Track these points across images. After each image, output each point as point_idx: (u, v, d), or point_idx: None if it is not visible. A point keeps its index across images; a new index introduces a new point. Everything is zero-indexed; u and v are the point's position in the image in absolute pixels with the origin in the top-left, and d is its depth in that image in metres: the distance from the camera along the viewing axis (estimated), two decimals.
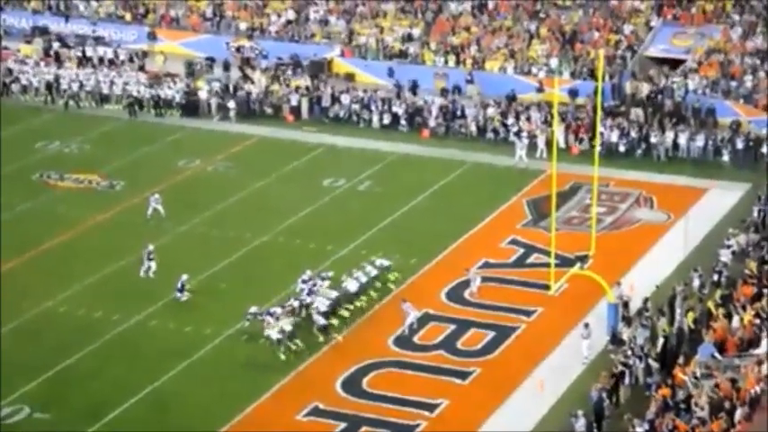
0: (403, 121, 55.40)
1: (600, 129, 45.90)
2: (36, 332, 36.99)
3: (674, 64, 56.49)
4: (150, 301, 38.51)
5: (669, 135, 50.91)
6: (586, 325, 35.26)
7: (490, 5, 62.69)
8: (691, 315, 34.98)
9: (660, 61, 57.10)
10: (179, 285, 38.55)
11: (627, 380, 32.83)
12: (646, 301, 36.34)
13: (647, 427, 29.20)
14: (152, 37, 64.98)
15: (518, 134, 51.56)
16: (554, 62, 57.82)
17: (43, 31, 65.94)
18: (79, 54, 63.06)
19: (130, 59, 62.84)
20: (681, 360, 32.39)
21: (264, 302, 37.46)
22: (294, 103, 57.11)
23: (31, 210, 46.49)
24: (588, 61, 56.73)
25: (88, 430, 31.60)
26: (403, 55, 60.65)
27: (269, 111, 57.22)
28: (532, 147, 50.98)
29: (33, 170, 50.47)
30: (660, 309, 35.90)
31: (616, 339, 35.36)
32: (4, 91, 60.07)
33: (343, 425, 31.97)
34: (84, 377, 34.29)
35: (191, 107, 57.51)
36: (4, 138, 54.09)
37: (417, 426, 32.00)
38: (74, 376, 34.44)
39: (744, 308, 34.18)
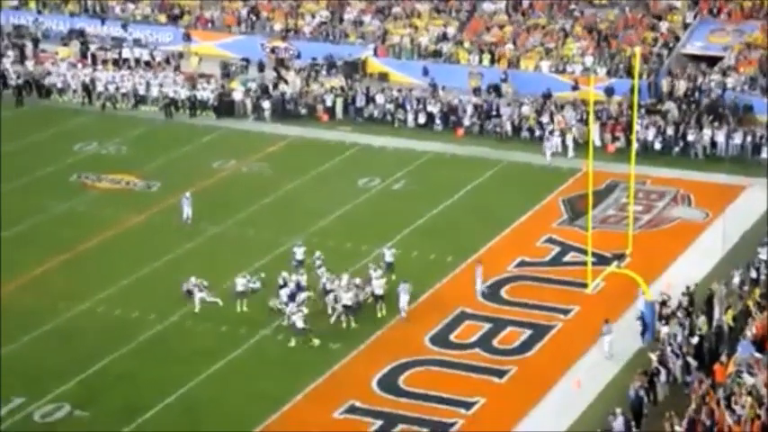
0: (438, 120, 55.42)
1: (636, 127, 45.70)
2: (74, 332, 37.10)
3: (712, 61, 56.22)
4: (186, 302, 38.56)
5: (707, 133, 50.60)
6: (606, 321, 35.10)
7: (525, 4, 62.80)
8: (730, 313, 34.68)
9: (697, 58, 56.91)
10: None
11: (663, 378, 32.55)
12: (684, 298, 36.01)
13: (686, 425, 28.94)
14: (187, 38, 65.39)
15: (551, 133, 51.62)
16: (589, 60, 57.66)
17: (80, 34, 66.59)
18: (115, 56, 63.47)
19: (166, 61, 63.15)
20: (721, 358, 32.11)
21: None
22: (329, 103, 57.24)
23: (68, 211, 46.71)
24: (624, 59, 56.55)
25: (124, 429, 31.71)
26: (437, 54, 60.68)
27: (303, 111, 57.38)
28: (566, 145, 51.07)
29: (71, 171, 50.77)
30: (699, 307, 35.66)
31: (653, 337, 35.12)
32: (42, 93, 60.50)
33: (379, 423, 31.89)
34: (121, 377, 34.37)
35: (226, 108, 57.66)
36: (42, 139, 54.56)
37: (454, 424, 31.90)
38: (111, 376, 34.52)
39: None
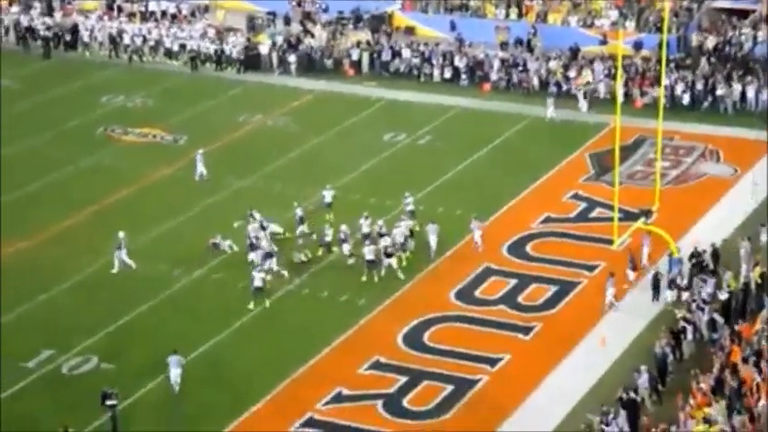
0: (464, 75, 55.18)
1: (665, 81, 45.29)
2: (100, 286, 37.24)
3: (743, 14, 55.42)
4: (212, 257, 38.55)
5: (736, 87, 50.10)
6: (612, 274, 35.07)
7: None
8: (758, 270, 34.29)
9: (728, 12, 56.10)
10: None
11: (690, 335, 32.31)
12: (710, 254, 35.75)
13: (712, 382, 28.72)
14: None
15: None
16: (615, 14, 56.98)
17: None
18: (142, 8, 63.34)
19: (192, 14, 62.98)
20: (747, 315, 31.93)
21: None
22: (355, 57, 57.16)
23: (95, 164, 46.86)
24: (653, 13, 55.79)
25: (149, 384, 31.84)
26: (464, 8, 60.21)
27: (329, 65, 57.31)
28: (593, 100, 50.98)
29: (97, 124, 50.98)
30: (725, 263, 35.34)
31: (679, 293, 34.82)
32: (69, 45, 60.61)
33: (404, 378, 31.85)
34: (146, 331, 34.47)
35: (252, 61, 57.58)
36: (68, 92, 54.71)
37: (479, 380, 31.82)
38: (137, 330, 34.66)
39: None
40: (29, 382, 31.87)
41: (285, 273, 36.98)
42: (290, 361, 32.79)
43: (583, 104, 51.16)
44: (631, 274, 35.68)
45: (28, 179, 44.90)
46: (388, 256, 36.91)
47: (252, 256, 37.36)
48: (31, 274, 37.68)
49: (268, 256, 37.25)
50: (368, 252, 37.12)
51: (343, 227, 38.36)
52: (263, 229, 38.85)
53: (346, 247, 37.83)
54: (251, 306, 35.49)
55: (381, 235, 38.01)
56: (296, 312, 35.69)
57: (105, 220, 41.48)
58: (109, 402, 29.34)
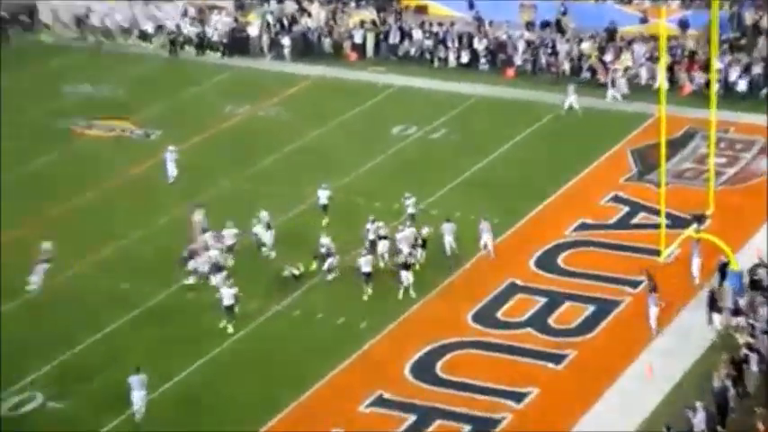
0: (483, 60, 55.61)
1: (717, 65, 45.18)
2: (48, 307, 36.91)
3: None
4: (187, 271, 37.95)
5: None
6: (653, 289, 34.39)
7: None
8: None
9: None
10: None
11: (754, 365, 31.23)
12: None
13: None
14: None
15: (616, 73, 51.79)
16: None
17: None
18: None
19: None
20: None
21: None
22: (358, 39, 57.74)
23: (56, 162, 47.16)
24: None
25: (112, 422, 31.07)
26: None
27: (329, 48, 57.86)
28: (633, 87, 51.22)
29: (60, 116, 51.42)
30: None
31: (740, 314, 33.80)
32: (29, 26, 61.04)
33: (413, 417, 31.24)
34: (105, 361, 33.84)
35: (239, 44, 58.25)
36: (27, 78, 55.28)
37: (502, 419, 31.10)
38: (94, 359, 34.14)
39: None
40: None
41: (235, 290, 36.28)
42: (277, 397, 32.24)
43: (621, 92, 51.19)
44: (653, 301, 34.61)
45: None
46: (406, 267, 36.34)
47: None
48: None
49: (216, 269, 36.87)
50: (364, 263, 36.72)
51: (325, 239, 37.87)
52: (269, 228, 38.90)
53: (328, 262, 37.34)
54: (224, 326, 35.08)
55: (381, 237, 37.88)
56: (285, 338, 35.23)
57: (65, 228, 41.14)
58: None
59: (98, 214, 42.46)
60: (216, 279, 36.53)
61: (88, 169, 46.04)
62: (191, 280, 37.08)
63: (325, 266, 37.51)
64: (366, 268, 36.78)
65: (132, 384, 31.05)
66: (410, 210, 39.94)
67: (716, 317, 34.01)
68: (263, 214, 39.44)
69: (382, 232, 38.28)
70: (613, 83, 51.51)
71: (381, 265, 37.80)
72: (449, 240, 38.48)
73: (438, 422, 30.97)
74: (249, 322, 35.73)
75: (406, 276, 36.40)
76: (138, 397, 31.08)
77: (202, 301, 36.65)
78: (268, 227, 39.12)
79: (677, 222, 37.62)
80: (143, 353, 33.92)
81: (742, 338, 32.27)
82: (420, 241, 38.02)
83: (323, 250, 37.76)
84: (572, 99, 49.73)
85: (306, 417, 31.51)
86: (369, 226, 38.49)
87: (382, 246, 37.77)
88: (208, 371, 33.60)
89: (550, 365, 33.35)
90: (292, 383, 32.70)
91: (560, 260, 38.56)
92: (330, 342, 34.62)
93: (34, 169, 46.34)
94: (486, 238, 38.69)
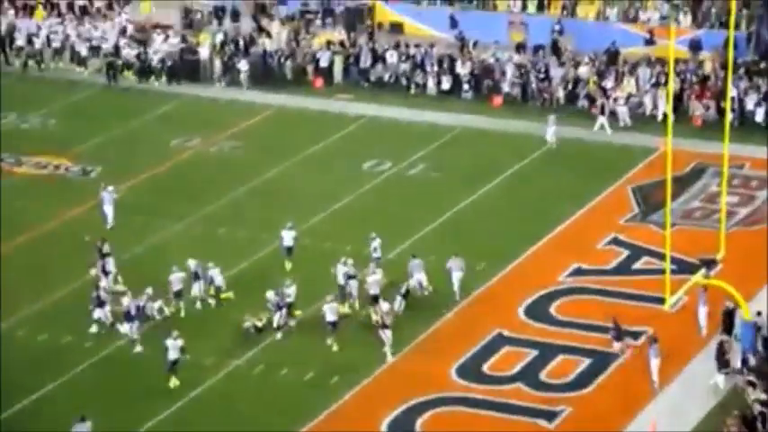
0: (467, 86, 55.98)
1: (732, 92, 46.06)
2: None
3: None
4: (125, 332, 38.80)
5: None
6: (654, 340, 35.59)
7: None
8: None
9: None
10: None
11: None
12: None
13: None
14: None
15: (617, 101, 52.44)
16: (665, 7, 58.08)
17: None
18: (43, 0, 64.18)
19: (109, 6, 63.88)
20: None
21: None
22: (324, 62, 57.94)
23: None
24: (716, 4, 56.57)
25: None
26: None
27: (291, 74, 58.14)
28: (636, 117, 52.21)
29: None
30: None
31: (753, 369, 35.02)
32: None
33: None
34: (43, 422, 34.69)
35: (188, 69, 58.57)
36: None
37: None
38: (28, 421, 34.99)
39: None
40: None
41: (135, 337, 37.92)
42: None
43: (624, 122, 52.14)
44: (654, 353, 35.67)
45: None
46: (384, 327, 37.28)
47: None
48: None
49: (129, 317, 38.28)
50: (329, 311, 37.94)
51: (270, 294, 38.83)
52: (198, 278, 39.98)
53: (277, 317, 38.47)
54: (173, 383, 36.00)
55: (350, 277, 39.33)
56: (245, 398, 35.92)
57: None
58: None
59: (32, 262, 42.70)
60: (125, 327, 38.03)
61: (17, 212, 46.01)
62: (94, 329, 38.43)
63: (276, 321, 38.28)
64: (331, 317, 37.79)
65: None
66: (376, 253, 40.91)
67: (719, 377, 34.78)
68: (191, 262, 40.25)
69: (352, 272, 39.48)
70: (602, 110, 52.00)
71: (349, 310, 39.04)
72: (418, 278, 39.72)
73: None
74: (206, 379, 36.28)
75: (387, 336, 37.07)
76: None
77: (151, 358, 37.03)
78: (196, 276, 40.04)
79: (684, 267, 38.41)
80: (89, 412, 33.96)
81: (754, 394, 33.01)
82: (403, 291, 39.13)
83: (275, 300, 38.42)
84: (551, 131, 50.47)
85: None
86: (339, 266, 39.57)
87: (352, 285, 39.10)
88: None
89: (542, 423, 33.98)
90: None
91: (553, 309, 39.29)
92: (298, 401, 35.16)
93: None
94: (455, 279, 39.92)
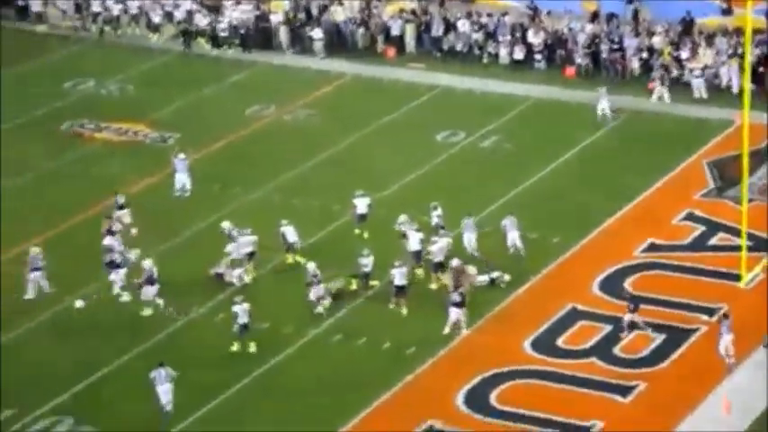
0: (540, 56, 56.23)
1: None
2: (71, 327, 38.36)
3: None
4: (216, 290, 39.63)
5: None
6: (725, 316, 35.52)
7: None
8: None
9: None
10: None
11: None
12: None
13: None
14: None
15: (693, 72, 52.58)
16: None
17: None
18: None
19: None
20: None
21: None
22: (396, 31, 58.10)
23: (58, 170, 47.79)
24: None
25: None
26: None
27: (364, 42, 58.43)
28: (713, 89, 52.16)
29: (62, 118, 52.06)
30: None
31: None
32: (19, 12, 61.89)
33: None
34: (135, 383, 34.99)
35: (261, 37, 58.77)
36: (24, 74, 55.83)
37: None
38: (123, 381, 35.62)
39: None
40: None
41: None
42: (317, 428, 33.39)
43: (700, 94, 52.26)
44: (725, 329, 35.26)
45: None
46: (458, 305, 37.53)
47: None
48: None
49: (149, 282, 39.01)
50: (398, 275, 38.57)
51: (310, 265, 39.14)
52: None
53: (314, 292, 38.81)
54: (237, 349, 36.77)
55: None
56: (324, 365, 36.44)
57: (71, 246, 42.50)
58: None
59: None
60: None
61: (98, 178, 46.57)
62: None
63: (312, 297, 38.55)
64: (400, 281, 38.47)
65: (156, 379, 33.43)
66: (436, 221, 41.32)
67: None
68: (225, 224, 41.07)
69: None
70: (662, 80, 52.17)
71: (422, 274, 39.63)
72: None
73: None
74: (286, 347, 36.91)
75: (458, 313, 37.32)
76: (165, 390, 33.35)
77: (229, 324, 37.39)
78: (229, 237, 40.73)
79: (760, 244, 38.48)
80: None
81: None
82: (494, 276, 39.57)
83: (310, 278, 38.74)
84: (604, 104, 50.33)
85: None
86: (412, 232, 40.27)
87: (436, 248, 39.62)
88: (238, 399, 34.70)
89: (616, 398, 34.08)
90: (333, 414, 33.66)
91: (628, 284, 39.23)
92: (375, 370, 35.65)
93: (37, 178, 46.79)
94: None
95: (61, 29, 61.32)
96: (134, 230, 42.74)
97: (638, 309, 36.97)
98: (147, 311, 38.78)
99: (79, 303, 38.82)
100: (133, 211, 43.93)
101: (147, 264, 39.26)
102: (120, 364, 36.44)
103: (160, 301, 38.83)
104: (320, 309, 38.61)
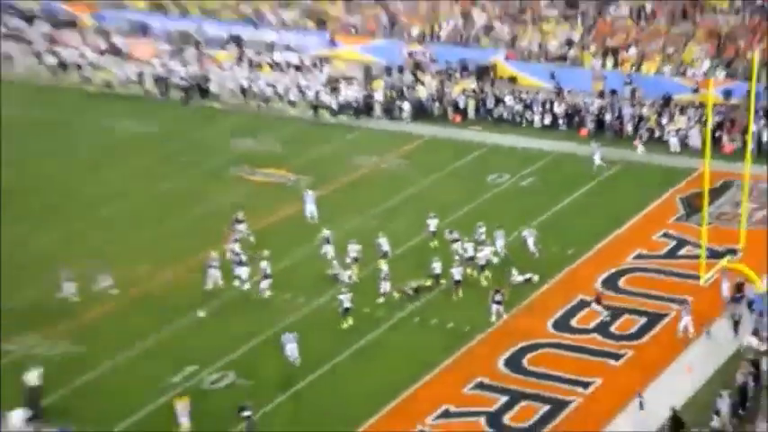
0: (562, 121, 55.94)
1: (753, 128, 45.33)
2: (236, 310, 38.80)
3: None
4: (331, 286, 39.81)
5: None
6: (683, 302, 36.04)
7: (648, 9, 62.15)
8: None
9: None
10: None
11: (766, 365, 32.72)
12: None
13: None
14: (332, 43, 66.42)
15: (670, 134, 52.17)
16: (707, 64, 57.45)
17: (237, 39, 67.53)
18: (268, 60, 65.20)
19: (313, 64, 64.47)
20: None
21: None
22: (461, 104, 57.99)
23: (226, 202, 47.50)
24: (743, 63, 55.91)
25: (280, 398, 33.38)
26: (563, 58, 60.99)
27: (438, 111, 58.24)
28: (684, 145, 51.65)
29: (229, 164, 52.41)
30: None
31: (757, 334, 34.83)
32: (203, 92, 62.56)
33: (505, 398, 32.78)
34: (276, 351, 35.32)
35: (367, 108, 58.84)
36: (204, 136, 56.41)
37: (572, 401, 32.60)
38: (268, 350, 35.70)
39: None
40: (174, 395, 33.20)
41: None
42: (402, 380, 33.85)
43: (675, 149, 51.95)
44: (685, 312, 35.87)
45: (178, 213, 46.75)
46: (498, 303, 37.55)
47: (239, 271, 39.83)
48: (178, 298, 39.49)
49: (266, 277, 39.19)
50: (456, 273, 38.93)
51: (384, 267, 39.33)
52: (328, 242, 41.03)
53: (383, 287, 38.78)
54: (346, 325, 37.00)
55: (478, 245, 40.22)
56: (406, 338, 36.82)
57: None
58: (244, 414, 31.05)
59: (268, 243, 42.46)
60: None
61: (253, 209, 45.93)
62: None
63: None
64: (457, 276, 38.76)
65: (285, 340, 34.36)
66: (481, 237, 41.19)
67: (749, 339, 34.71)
68: (326, 233, 41.33)
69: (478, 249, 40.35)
70: (641, 137, 52.09)
71: (472, 272, 39.48)
72: (530, 242, 40.99)
73: (524, 402, 32.39)
74: (380, 325, 37.40)
75: (498, 308, 37.32)
76: (291, 348, 34.27)
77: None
78: (327, 241, 41.15)
79: (714, 254, 38.14)
80: (302, 347, 35.06)
81: (756, 344, 33.77)
82: (527, 277, 39.49)
83: (436, 271, 39.08)
84: (597, 156, 49.48)
85: (423, 395, 33.08)
86: (458, 245, 40.51)
87: (482, 255, 39.90)
88: (350, 360, 35.30)
89: (611, 362, 34.62)
90: (413, 371, 34.35)
91: (621, 282, 39.41)
92: (441, 342, 36.05)
93: (211, 208, 46.85)
94: (531, 242, 41.09)
95: (229, 105, 61.72)
96: (252, 238, 42.93)
97: (600, 301, 37.48)
98: (267, 294, 39.13)
99: (201, 313, 38.66)
100: (274, 229, 44.35)
101: (263, 264, 39.70)
102: (267, 335, 36.96)
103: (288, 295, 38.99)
104: (382, 299, 38.60)
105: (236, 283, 39.99)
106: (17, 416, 31.59)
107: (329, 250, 41.51)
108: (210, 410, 32.33)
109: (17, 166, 52.14)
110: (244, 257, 40.59)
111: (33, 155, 54.28)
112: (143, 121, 58.55)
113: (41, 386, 32.83)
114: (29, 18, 69.84)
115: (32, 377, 32.77)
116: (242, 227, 43.57)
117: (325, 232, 41.95)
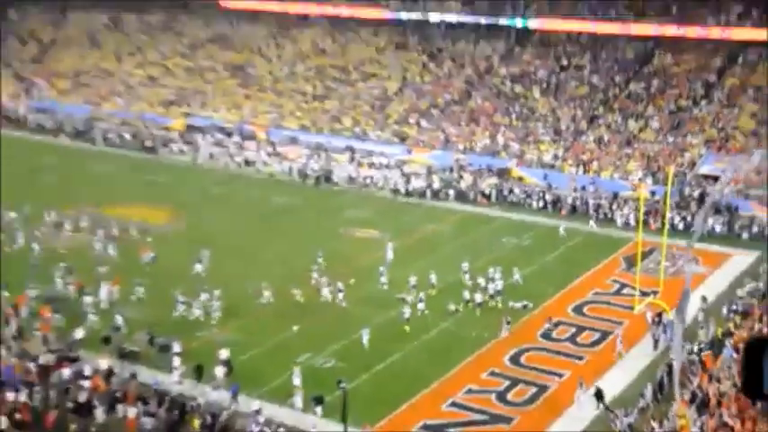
0: (549, 205, 55.69)
1: (668, 215, 44.98)
2: (331, 317, 37.12)
3: (715, 178, 54.55)
4: (400, 305, 38.77)
5: (710, 220, 49.83)
6: (618, 328, 34.78)
7: (605, 138, 61.77)
8: (719, 330, 34.26)
9: (706, 176, 55.17)
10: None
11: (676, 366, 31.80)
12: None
13: (689, 395, 28.92)
14: (408, 152, 65.96)
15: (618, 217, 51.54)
16: (640, 173, 56.82)
17: (350, 148, 66.65)
18: (369, 161, 65.00)
19: (396, 165, 64.04)
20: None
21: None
22: (487, 192, 57.80)
23: (333, 251, 45.35)
24: (663, 174, 54.80)
25: (364, 376, 32.28)
26: (552, 166, 60.49)
27: (472, 197, 57.68)
28: (626, 224, 50.91)
29: (339, 226, 51.31)
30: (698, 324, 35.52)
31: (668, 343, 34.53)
32: (327, 179, 61.65)
33: (508, 382, 31.97)
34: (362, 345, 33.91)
35: (429, 194, 57.98)
36: (327, 206, 55.16)
37: (551, 386, 31.61)
38: (356, 344, 34.58)
39: (752, 327, 33.25)
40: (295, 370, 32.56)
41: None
42: (441, 369, 32.91)
43: (621, 225, 51.32)
44: (618, 335, 35.05)
45: (306, 255, 44.77)
46: (507, 323, 36.76)
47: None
48: (291, 308, 37.62)
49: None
50: (478, 297, 38.25)
51: (339, 284, 37.90)
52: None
53: (407, 311, 36.38)
54: (407, 328, 35.37)
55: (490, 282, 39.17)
56: (442, 341, 35.79)
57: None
58: (341, 385, 30.76)
59: (359, 273, 41.82)
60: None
61: (351, 255, 45.18)
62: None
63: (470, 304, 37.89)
64: (479, 299, 37.94)
65: (363, 333, 33.29)
66: (495, 274, 39.37)
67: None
68: (412, 279, 39.08)
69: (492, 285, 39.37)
70: (596, 218, 51.05)
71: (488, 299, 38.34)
72: (518, 277, 39.92)
73: (520, 385, 31.57)
74: (429, 331, 36.92)
75: (506, 328, 36.37)
76: (365, 338, 33.36)
77: (415, 317, 36.70)
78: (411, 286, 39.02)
79: (644, 294, 37.54)
80: (380, 343, 34.41)
81: (672, 354, 32.97)
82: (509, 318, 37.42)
83: (466, 298, 38.65)
84: (562, 228, 49.10)
85: (453, 379, 32.18)
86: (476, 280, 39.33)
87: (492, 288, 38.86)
88: (412, 351, 34.54)
89: (576, 361, 33.70)
90: (447, 362, 33.56)
91: (585, 309, 38.80)
92: (468, 344, 35.40)
93: (327, 251, 44.62)
94: (518, 277, 39.96)
95: (344, 188, 60.44)
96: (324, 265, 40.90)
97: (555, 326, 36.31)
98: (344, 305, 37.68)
99: (295, 327, 35.95)
100: (366, 265, 42.92)
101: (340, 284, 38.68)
102: (356, 335, 35.84)
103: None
104: (407, 314, 36.12)
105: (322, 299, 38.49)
106: (219, 371, 31.94)
107: (412, 280, 39.61)
108: (321, 382, 32.13)
109: (208, 221, 51.95)
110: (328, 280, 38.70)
111: (226, 214, 54.02)
112: (290, 197, 58.39)
113: (229, 358, 32.98)
114: (228, 133, 71.06)
115: (224, 353, 33.16)
116: (320, 260, 42.13)
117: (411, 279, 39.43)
